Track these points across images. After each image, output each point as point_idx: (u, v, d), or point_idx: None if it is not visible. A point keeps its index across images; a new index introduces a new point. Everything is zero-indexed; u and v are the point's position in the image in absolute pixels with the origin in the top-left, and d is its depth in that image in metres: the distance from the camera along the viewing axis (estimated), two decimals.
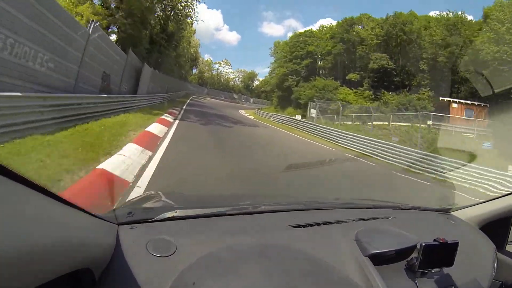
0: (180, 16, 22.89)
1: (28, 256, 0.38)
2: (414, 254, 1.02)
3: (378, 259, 0.98)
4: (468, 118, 18.39)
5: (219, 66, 64.37)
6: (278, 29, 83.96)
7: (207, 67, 63.21)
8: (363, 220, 1.29)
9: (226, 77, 66.28)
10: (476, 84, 18.15)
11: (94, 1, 15.24)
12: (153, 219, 0.92)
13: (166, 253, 0.76)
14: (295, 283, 0.79)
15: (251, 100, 66.65)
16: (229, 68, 65.94)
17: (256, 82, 70.55)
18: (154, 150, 5.55)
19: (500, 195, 1.49)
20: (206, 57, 63.54)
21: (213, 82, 63.77)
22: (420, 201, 4.61)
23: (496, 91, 14.22)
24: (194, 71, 61.61)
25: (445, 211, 1.67)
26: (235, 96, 64.01)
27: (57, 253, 0.45)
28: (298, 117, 21.70)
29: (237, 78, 68.48)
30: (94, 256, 0.62)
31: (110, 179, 3.38)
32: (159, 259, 0.74)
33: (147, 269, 0.71)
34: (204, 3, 35.28)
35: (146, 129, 7.49)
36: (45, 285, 0.44)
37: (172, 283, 0.68)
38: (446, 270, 1.05)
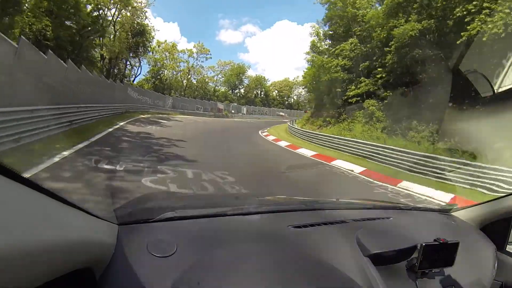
0: None
1: (29, 255, 0.38)
2: (415, 254, 1.00)
3: (379, 259, 0.97)
4: None
5: (189, 55, 38.45)
6: (236, 35, 78.67)
7: (168, 56, 36.67)
8: (364, 220, 1.27)
9: (202, 75, 40.73)
10: None
11: None
12: (153, 219, 0.91)
13: (167, 253, 0.76)
14: (295, 284, 0.78)
15: (244, 110, 41.86)
16: (207, 58, 39.90)
17: (246, 81, 46.78)
18: None
19: (500, 195, 1.48)
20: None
21: (181, 86, 38.25)
22: None
23: None
24: (145, 66, 36.05)
25: (445, 211, 1.65)
26: (221, 106, 38.90)
27: (57, 252, 0.45)
28: None
29: (219, 75, 43.64)
30: (95, 256, 0.62)
31: None
32: (159, 259, 0.74)
33: (148, 269, 0.71)
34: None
35: None
36: (46, 284, 0.44)
37: (173, 283, 0.68)
38: (446, 270, 1.05)
